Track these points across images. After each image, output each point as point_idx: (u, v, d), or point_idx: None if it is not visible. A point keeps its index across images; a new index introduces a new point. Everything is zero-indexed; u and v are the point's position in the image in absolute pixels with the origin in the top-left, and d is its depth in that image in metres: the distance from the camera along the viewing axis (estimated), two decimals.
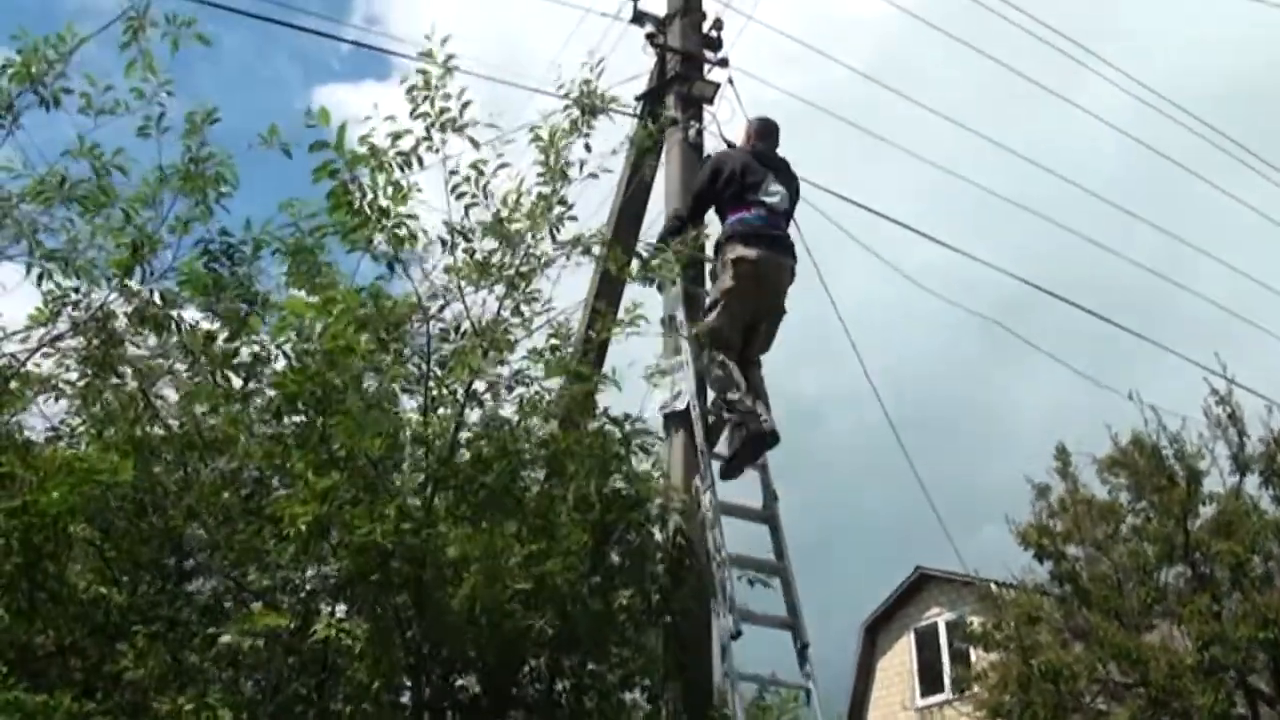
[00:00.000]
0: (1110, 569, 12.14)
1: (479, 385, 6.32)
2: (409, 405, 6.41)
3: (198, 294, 6.06)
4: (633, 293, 7.10)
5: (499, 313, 6.27)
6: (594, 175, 6.60)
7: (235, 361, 6.08)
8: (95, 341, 6.00)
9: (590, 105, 6.46)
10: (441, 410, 6.28)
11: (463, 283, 6.27)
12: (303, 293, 6.02)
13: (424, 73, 6.14)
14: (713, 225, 7.39)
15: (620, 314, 6.94)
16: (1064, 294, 10.34)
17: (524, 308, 6.37)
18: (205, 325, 6.14)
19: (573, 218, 6.47)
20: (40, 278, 5.95)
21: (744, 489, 7.10)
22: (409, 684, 6.11)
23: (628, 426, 6.73)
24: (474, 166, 6.24)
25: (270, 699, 5.84)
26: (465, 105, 6.16)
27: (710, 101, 8.06)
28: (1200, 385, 12.08)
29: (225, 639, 5.37)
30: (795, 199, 7.48)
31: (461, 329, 6.32)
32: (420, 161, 6.09)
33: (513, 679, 6.40)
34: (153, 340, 6.14)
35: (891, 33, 27.99)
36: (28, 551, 5.54)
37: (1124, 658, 11.34)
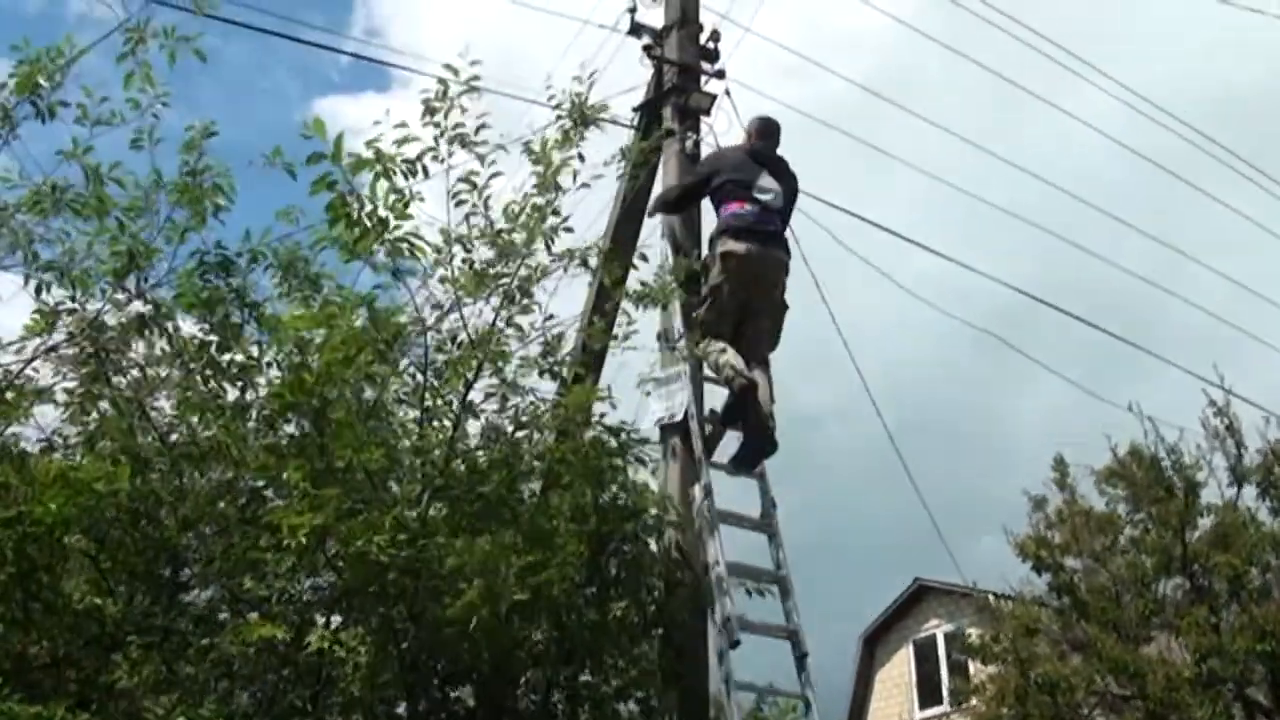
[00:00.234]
0: (1108, 581, 12.14)
1: (475, 396, 6.33)
2: (406, 416, 6.42)
3: (192, 309, 6.07)
4: (629, 305, 7.15)
5: (494, 324, 6.29)
6: (586, 185, 6.65)
7: (229, 370, 6.08)
8: (90, 350, 6.00)
9: (582, 116, 6.50)
10: (438, 422, 6.28)
11: (460, 293, 6.28)
12: (296, 306, 6.03)
13: (443, 83, 6.18)
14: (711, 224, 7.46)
15: (615, 330, 6.98)
16: (1060, 303, 10.36)
17: (520, 319, 6.40)
18: (200, 336, 6.14)
19: (568, 229, 6.52)
20: (38, 289, 5.96)
21: (742, 498, 7.11)
22: (404, 696, 6.10)
23: (623, 436, 6.74)
24: (466, 179, 6.27)
25: (265, 710, 5.83)
26: (481, 127, 6.24)
27: (707, 113, 8.09)
28: (1197, 394, 12.12)
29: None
30: (793, 198, 7.51)
31: (458, 340, 6.34)
32: (425, 171, 6.12)
33: (508, 690, 6.38)
34: (143, 349, 6.14)
35: (888, 44, 28.07)
36: (23, 562, 5.53)
37: (1122, 670, 11.32)
